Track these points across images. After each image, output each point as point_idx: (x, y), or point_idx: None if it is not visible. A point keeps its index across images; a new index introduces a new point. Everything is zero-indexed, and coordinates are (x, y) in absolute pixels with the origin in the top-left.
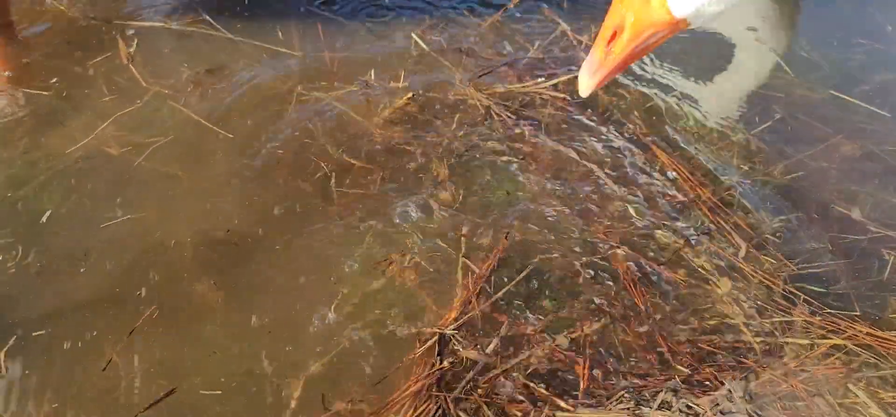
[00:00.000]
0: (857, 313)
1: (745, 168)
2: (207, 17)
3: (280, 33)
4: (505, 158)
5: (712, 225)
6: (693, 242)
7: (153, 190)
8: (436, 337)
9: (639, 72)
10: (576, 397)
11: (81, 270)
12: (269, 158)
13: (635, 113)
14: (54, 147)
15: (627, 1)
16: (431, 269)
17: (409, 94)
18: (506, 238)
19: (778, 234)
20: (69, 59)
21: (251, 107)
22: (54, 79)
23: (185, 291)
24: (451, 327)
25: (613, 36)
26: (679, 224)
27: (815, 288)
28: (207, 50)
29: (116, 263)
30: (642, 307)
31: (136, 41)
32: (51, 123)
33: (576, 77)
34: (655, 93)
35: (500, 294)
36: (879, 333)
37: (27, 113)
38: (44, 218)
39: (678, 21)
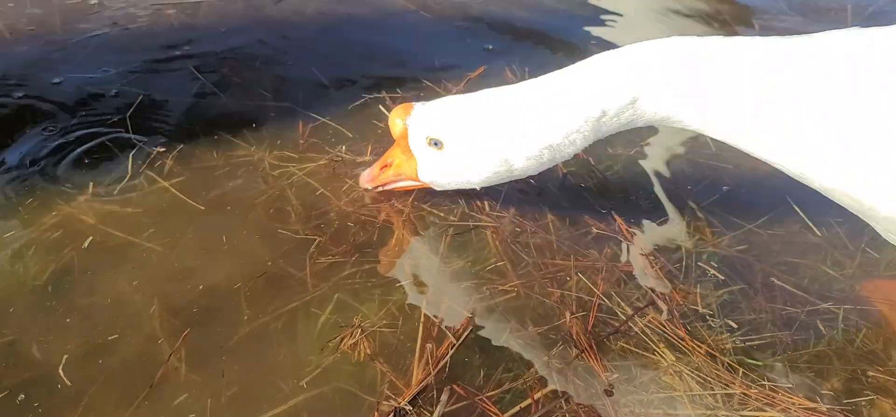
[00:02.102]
0: (791, 386)
1: (695, 238)
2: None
3: (253, 100)
4: (464, 236)
5: (660, 296)
6: (641, 313)
7: (123, 258)
8: (392, 412)
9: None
10: None
11: (50, 335)
12: (238, 228)
13: (591, 181)
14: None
15: (397, 151)
16: (393, 342)
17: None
18: (470, 316)
19: (723, 306)
20: None
21: (222, 177)
22: None
23: (152, 357)
24: (407, 400)
25: (386, 166)
26: (629, 293)
27: (755, 361)
28: (183, 119)
29: (84, 329)
30: (602, 375)
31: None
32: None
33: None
34: (610, 165)
35: (456, 365)
36: (814, 406)
37: None
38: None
39: (421, 182)
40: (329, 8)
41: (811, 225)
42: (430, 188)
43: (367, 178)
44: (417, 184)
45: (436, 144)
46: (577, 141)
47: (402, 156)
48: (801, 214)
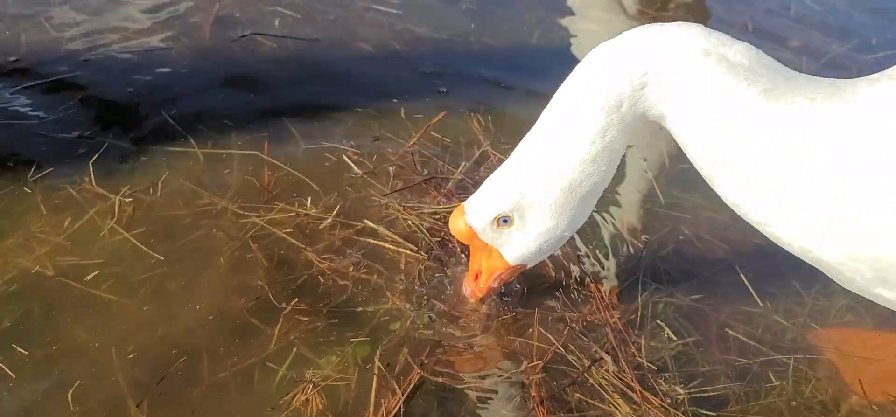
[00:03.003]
0: None
1: (652, 288)
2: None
3: (221, 152)
4: (428, 286)
5: (616, 348)
6: (597, 364)
7: (85, 312)
8: None
9: None
10: None
11: (10, 385)
12: (199, 279)
13: None
14: None
15: (477, 255)
16: (346, 397)
17: (340, 220)
18: (420, 367)
19: (677, 357)
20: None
21: (185, 228)
22: None
23: (111, 410)
24: None
25: (477, 275)
26: (585, 343)
27: (709, 413)
28: (148, 167)
29: (43, 386)
30: None
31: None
32: None
33: None
34: None
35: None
36: None
37: None
38: None
39: (514, 267)
40: (295, 53)
41: (774, 274)
42: (526, 267)
43: (473, 296)
44: (513, 269)
45: (505, 222)
46: (615, 135)
47: (483, 253)
48: (754, 266)
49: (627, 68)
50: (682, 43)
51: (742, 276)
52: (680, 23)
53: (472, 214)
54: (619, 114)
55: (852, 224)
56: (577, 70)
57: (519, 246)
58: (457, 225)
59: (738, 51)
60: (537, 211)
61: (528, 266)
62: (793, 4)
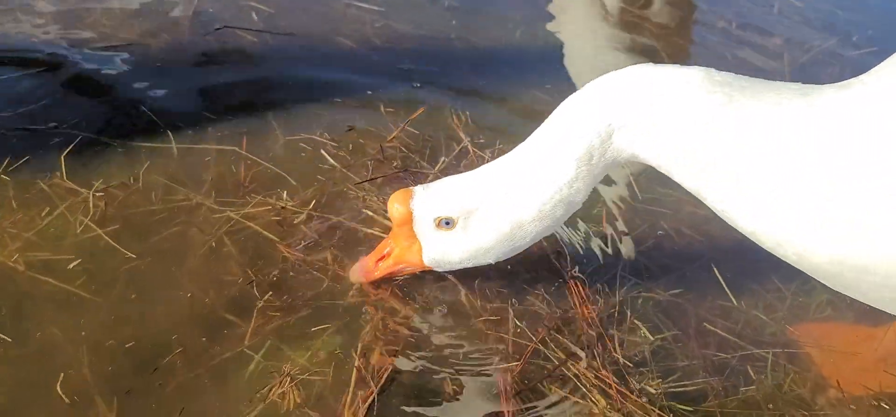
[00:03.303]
0: None
1: (631, 283)
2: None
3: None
4: (403, 280)
5: (595, 342)
6: (573, 358)
7: (56, 309)
8: None
9: None
10: None
11: None
12: (174, 275)
13: None
14: None
15: (397, 239)
16: (323, 390)
17: (317, 214)
18: (395, 359)
19: (656, 352)
20: None
21: (159, 223)
22: None
23: (83, 408)
24: None
25: (382, 257)
26: (563, 338)
27: (686, 408)
28: (122, 161)
29: (15, 382)
30: None
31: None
32: None
33: None
34: None
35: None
36: None
37: None
38: None
39: (423, 266)
40: (274, 48)
41: (752, 269)
42: (430, 270)
43: (362, 273)
44: (419, 267)
45: (447, 224)
46: (580, 187)
47: (405, 242)
48: (735, 261)
49: (593, 122)
50: (642, 85)
51: (718, 273)
52: (629, 68)
53: (421, 203)
54: (589, 167)
55: (845, 223)
56: (553, 117)
57: (444, 251)
58: (397, 207)
59: (693, 72)
60: (482, 228)
61: (433, 269)
62: (776, 1)
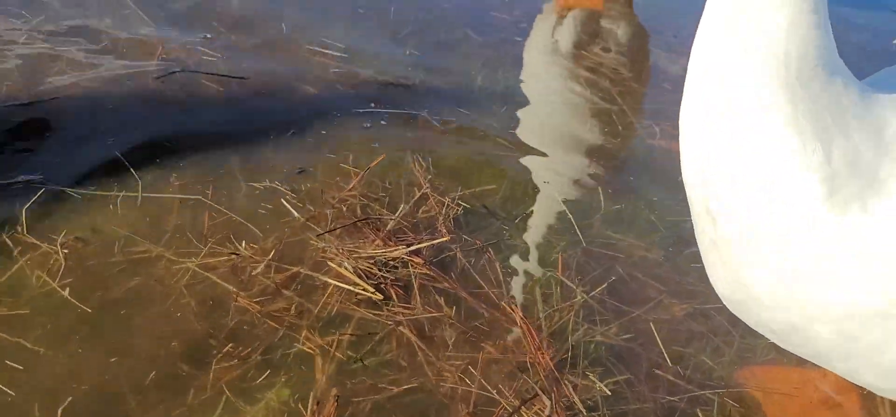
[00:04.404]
0: None
1: (585, 327)
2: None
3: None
4: (360, 331)
5: (549, 387)
6: (528, 404)
7: (10, 363)
8: None
9: (497, 233)
10: None
11: None
12: (130, 329)
13: (490, 273)
14: None
15: None
16: None
17: (275, 263)
18: (336, 400)
19: (606, 398)
20: None
21: (119, 275)
22: None
23: None
24: None
25: None
26: (517, 385)
27: None
28: (84, 212)
29: None
30: None
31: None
32: None
33: (438, 241)
34: (505, 255)
35: None
36: None
37: None
38: None
39: None
40: (238, 94)
41: (701, 312)
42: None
43: None
44: None
45: None
46: None
47: None
48: (686, 305)
49: None
50: None
51: (670, 317)
52: None
53: None
54: None
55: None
56: None
57: None
58: None
59: None
60: None
61: None
62: None
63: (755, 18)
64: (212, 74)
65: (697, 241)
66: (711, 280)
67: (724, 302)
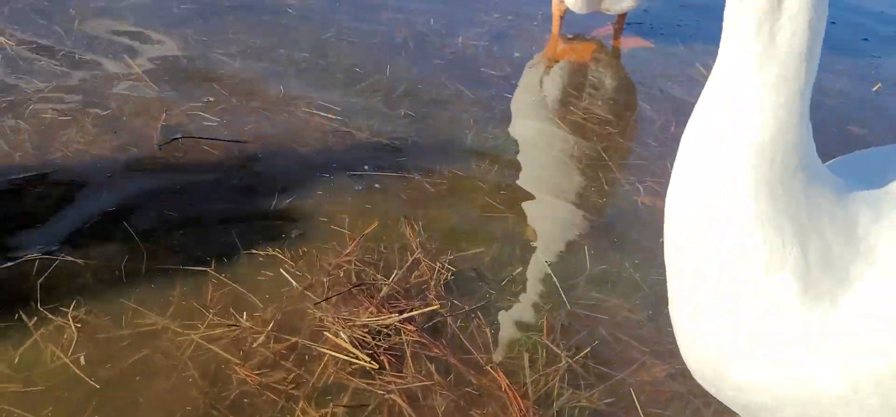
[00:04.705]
0: None
1: (570, 391)
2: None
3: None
4: (355, 402)
5: None
6: None
7: None
8: None
9: (486, 297)
10: None
11: None
12: (137, 403)
13: (477, 337)
14: None
15: None
16: None
17: (275, 333)
18: None
19: None
20: None
21: (125, 349)
22: None
23: None
24: None
25: None
26: None
27: None
28: (94, 285)
29: None
30: None
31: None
32: None
33: (428, 309)
34: (494, 320)
35: None
36: None
37: None
38: None
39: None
40: (239, 159)
41: (681, 373)
42: None
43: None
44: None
45: None
46: None
47: None
48: (669, 362)
49: None
50: None
51: (653, 375)
52: None
53: None
54: None
55: None
56: None
57: None
58: None
59: None
60: None
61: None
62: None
63: (747, 123)
64: (212, 139)
65: (671, 310)
66: (684, 355)
67: (694, 376)
